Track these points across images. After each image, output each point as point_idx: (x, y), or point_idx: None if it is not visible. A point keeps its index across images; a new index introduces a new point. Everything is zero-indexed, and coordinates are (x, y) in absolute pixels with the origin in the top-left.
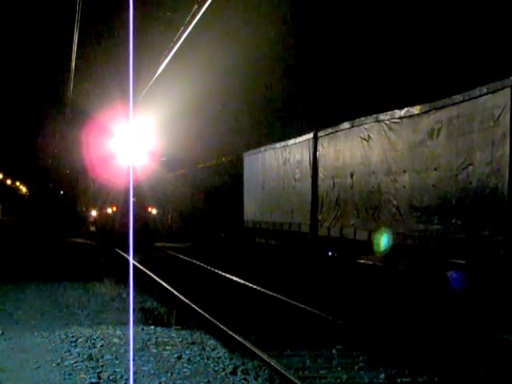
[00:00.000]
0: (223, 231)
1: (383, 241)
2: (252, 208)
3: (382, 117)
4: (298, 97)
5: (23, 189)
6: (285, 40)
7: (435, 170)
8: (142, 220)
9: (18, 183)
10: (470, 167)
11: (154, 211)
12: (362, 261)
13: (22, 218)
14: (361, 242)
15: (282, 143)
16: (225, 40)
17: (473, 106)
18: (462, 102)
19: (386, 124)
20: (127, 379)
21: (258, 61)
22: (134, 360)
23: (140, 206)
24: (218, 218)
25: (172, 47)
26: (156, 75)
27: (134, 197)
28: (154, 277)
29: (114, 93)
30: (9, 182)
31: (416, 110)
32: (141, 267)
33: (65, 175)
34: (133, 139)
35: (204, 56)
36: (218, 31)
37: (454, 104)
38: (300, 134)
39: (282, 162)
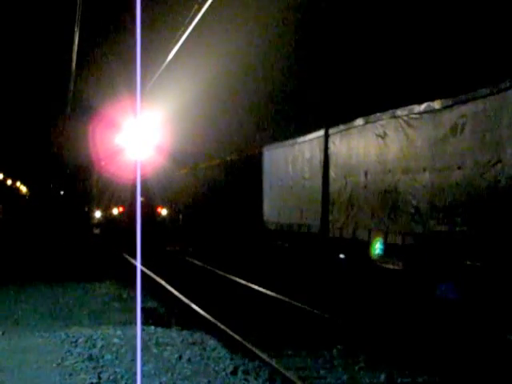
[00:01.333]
0: (240, 233)
1: (375, 245)
2: (270, 208)
3: (399, 112)
4: (307, 91)
5: (23, 189)
6: (293, 32)
7: (459, 168)
8: (150, 222)
9: (18, 183)
10: (499, 164)
11: (164, 212)
12: (376, 263)
13: (21, 218)
14: None
15: (291, 141)
16: (233, 32)
17: (501, 99)
18: (489, 95)
19: (403, 120)
20: (128, 379)
21: (267, 53)
22: (141, 360)
23: (148, 207)
24: (236, 218)
25: (180, 37)
26: (164, 64)
27: (141, 196)
28: (157, 278)
29: (120, 83)
30: (9, 182)
31: (437, 104)
32: (144, 269)
33: (66, 173)
34: (140, 132)
35: (213, 48)
36: (228, 22)
37: (479, 97)
38: (310, 131)
39: (290, 159)
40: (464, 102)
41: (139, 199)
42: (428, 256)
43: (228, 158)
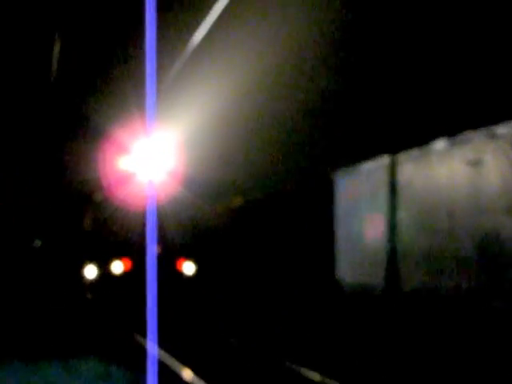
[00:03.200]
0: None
1: None
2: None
3: (500, 131)
4: (364, 107)
5: None
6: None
7: None
8: (170, 283)
9: None
10: None
11: (191, 268)
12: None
13: None
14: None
15: (343, 171)
16: (269, 39)
17: None
18: None
19: (507, 141)
20: None
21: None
22: None
23: (167, 260)
24: (294, 277)
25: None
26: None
27: (158, 246)
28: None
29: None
30: None
31: None
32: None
33: (47, 214)
34: (151, 154)
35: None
36: (260, 26)
37: None
38: (369, 158)
39: (344, 195)
40: None
41: (154, 249)
42: None
43: (283, 190)
